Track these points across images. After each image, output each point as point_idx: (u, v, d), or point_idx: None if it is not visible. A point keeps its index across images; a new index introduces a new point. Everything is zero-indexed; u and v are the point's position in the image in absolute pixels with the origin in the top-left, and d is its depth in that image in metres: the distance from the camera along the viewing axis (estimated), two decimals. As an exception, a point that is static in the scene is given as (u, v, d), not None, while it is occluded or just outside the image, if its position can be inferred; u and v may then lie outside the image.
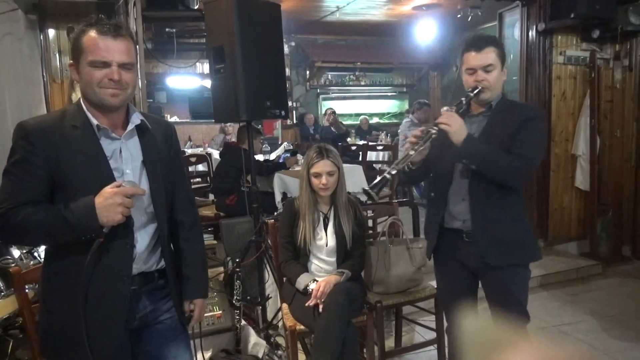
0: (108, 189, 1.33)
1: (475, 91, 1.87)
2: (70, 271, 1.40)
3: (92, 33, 1.37)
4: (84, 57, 1.37)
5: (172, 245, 1.64)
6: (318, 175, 2.34)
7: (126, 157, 1.45)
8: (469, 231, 1.92)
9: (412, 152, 1.79)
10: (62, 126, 1.39)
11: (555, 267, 4.01)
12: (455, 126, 1.79)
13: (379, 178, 1.76)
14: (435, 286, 2.70)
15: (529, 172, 1.94)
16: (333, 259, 2.43)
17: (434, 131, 1.79)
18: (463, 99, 1.90)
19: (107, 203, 1.31)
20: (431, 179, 2.07)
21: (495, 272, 1.91)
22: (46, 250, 1.53)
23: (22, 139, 1.35)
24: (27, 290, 1.95)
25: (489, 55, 1.88)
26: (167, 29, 4.26)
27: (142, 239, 1.49)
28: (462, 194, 1.92)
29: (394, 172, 1.77)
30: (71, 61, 1.43)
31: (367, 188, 1.78)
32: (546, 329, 3.15)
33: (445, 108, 1.93)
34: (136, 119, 1.48)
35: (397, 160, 1.81)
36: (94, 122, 1.41)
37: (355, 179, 3.98)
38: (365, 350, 2.48)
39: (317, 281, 2.35)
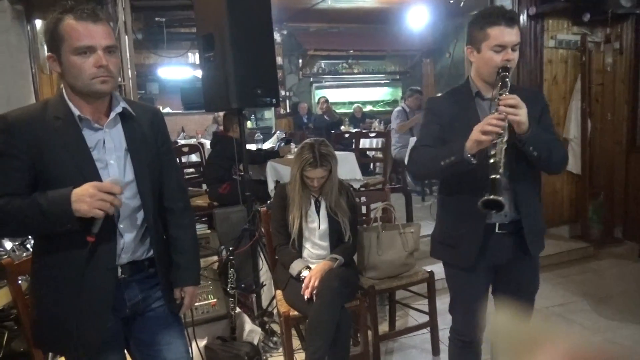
0: (88, 184, 1.31)
1: (508, 72, 1.68)
2: (57, 264, 1.41)
3: (70, 20, 1.33)
4: (65, 46, 1.33)
5: (163, 233, 1.64)
6: (310, 178, 2.35)
7: (109, 148, 1.43)
8: (504, 223, 1.79)
9: (502, 145, 1.55)
10: (44, 117, 1.37)
11: (548, 249, 3.92)
12: (524, 111, 1.60)
13: (491, 184, 1.53)
14: (429, 269, 2.75)
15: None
16: (326, 243, 2.45)
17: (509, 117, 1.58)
18: (507, 80, 1.67)
19: (83, 194, 1.29)
20: (458, 173, 1.76)
21: (527, 261, 1.83)
22: (34, 244, 1.52)
23: (3, 132, 1.34)
24: (20, 282, 1.95)
25: (517, 32, 1.70)
26: (156, 18, 4.22)
27: (130, 228, 1.48)
28: (502, 186, 1.72)
29: (501, 170, 1.53)
30: (49, 53, 1.37)
31: (488, 197, 1.52)
32: (539, 311, 3.17)
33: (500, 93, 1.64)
34: (119, 106, 1.46)
35: (495, 158, 1.54)
36: (76, 112, 1.38)
37: (348, 167, 3.99)
38: (359, 335, 2.51)
39: (310, 268, 2.37)
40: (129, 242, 1.47)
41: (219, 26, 2.86)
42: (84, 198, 1.29)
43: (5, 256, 2.22)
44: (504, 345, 0.49)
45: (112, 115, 1.44)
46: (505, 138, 1.57)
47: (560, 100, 4.49)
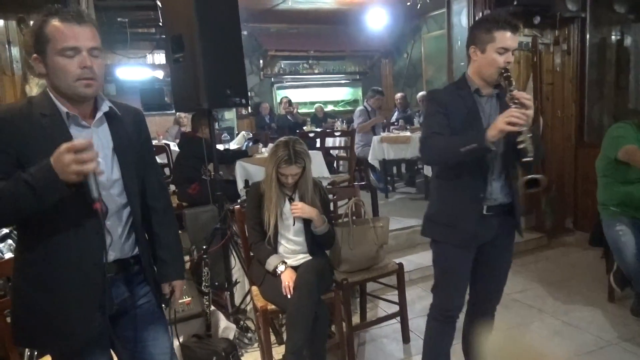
0: (57, 151, 1.25)
1: (508, 72, 1.86)
2: (44, 260, 1.41)
3: (56, 22, 1.35)
4: (50, 47, 1.35)
5: (145, 231, 1.66)
6: (284, 175, 2.42)
7: (97, 145, 1.43)
8: (492, 205, 1.98)
9: (529, 134, 1.74)
10: (30, 114, 1.38)
11: None
12: (532, 109, 1.78)
13: (526, 167, 1.87)
14: (397, 262, 2.87)
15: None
16: (301, 239, 2.52)
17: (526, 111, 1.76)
18: (511, 79, 1.86)
19: (58, 162, 1.25)
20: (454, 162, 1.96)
21: (509, 239, 2.10)
22: (18, 240, 1.51)
23: None
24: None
25: (517, 38, 1.90)
26: (119, 19, 4.16)
27: (116, 225, 1.50)
28: (495, 173, 1.97)
29: (531, 154, 1.74)
30: (35, 55, 1.39)
31: (530, 177, 1.84)
32: (499, 298, 3.37)
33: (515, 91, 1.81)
34: (105, 106, 1.48)
35: (524, 144, 1.74)
36: (63, 109, 1.40)
37: (315, 165, 4.06)
38: (334, 326, 2.59)
39: (285, 263, 2.43)
40: (116, 239, 1.49)
41: (189, 27, 2.87)
42: (63, 168, 1.24)
43: (-23, 260, 2.17)
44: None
45: (99, 115, 1.46)
46: (526, 128, 1.74)
47: (514, 99, 4.72)
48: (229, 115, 9.34)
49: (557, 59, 4.78)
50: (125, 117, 1.56)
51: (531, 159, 1.75)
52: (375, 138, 5.80)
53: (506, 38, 1.85)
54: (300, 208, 2.44)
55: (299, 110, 9.16)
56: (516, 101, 1.77)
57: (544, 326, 2.99)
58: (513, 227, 2.10)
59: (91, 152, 1.26)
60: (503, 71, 1.86)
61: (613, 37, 4.80)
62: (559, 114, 4.82)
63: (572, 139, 4.80)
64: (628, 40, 4.73)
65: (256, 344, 2.90)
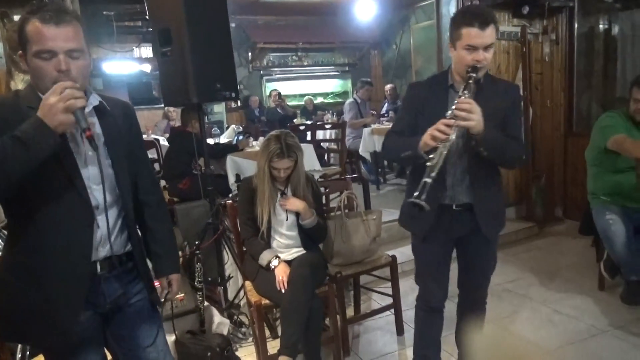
0: (44, 99, 1.26)
1: (476, 72, 1.76)
2: (31, 250, 1.39)
3: (35, 22, 1.31)
4: (29, 48, 1.33)
5: (138, 226, 1.65)
6: (277, 169, 2.40)
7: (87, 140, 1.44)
8: (460, 203, 1.95)
9: (444, 150, 1.66)
10: (18, 106, 1.35)
11: None
12: (477, 116, 1.69)
13: (420, 186, 1.63)
14: (390, 254, 2.87)
15: (525, 155, 1.98)
16: (294, 233, 2.51)
17: (458, 122, 1.68)
18: (470, 81, 1.75)
19: (45, 107, 1.25)
20: (419, 163, 1.87)
21: (485, 240, 2.00)
22: (8, 232, 1.49)
23: None
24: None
25: (490, 33, 1.76)
26: (104, 12, 4.09)
27: (107, 220, 1.47)
28: (457, 174, 1.92)
29: (434, 174, 1.63)
30: (20, 52, 1.37)
31: (414, 200, 1.63)
32: (491, 287, 3.35)
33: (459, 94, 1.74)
34: (94, 100, 1.45)
35: (433, 162, 1.65)
36: None
37: (307, 158, 4.04)
38: (328, 320, 2.59)
39: (279, 257, 2.43)
40: (105, 234, 1.46)
41: (176, 20, 2.83)
42: (51, 110, 1.24)
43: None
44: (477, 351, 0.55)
45: (88, 108, 1.43)
46: (450, 143, 1.69)
47: (503, 89, 4.73)
48: (218, 108, 9.27)
49: (545, 48, 4.80)
50: (115, 111, 1.54)
51: (428, 180, 1.62)
52: (366, 130, 5.79)
53: (471, 35, 1.74)
54: (287, 200, 2.44)
55: (289, 103, 9.12)
56: (453, 109, 1.69)
57: (536, 315, 3.02)
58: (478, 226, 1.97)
59: (72, 89, 1.28)
60: (469, 69, 1.76)
61: (601, 26, 4.82)
62: (548, 103, 4.84)
63: (561, 128, 4.84)
64: (615, 29, 4.75)
65: (250, 339, 2.89)
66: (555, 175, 4.86)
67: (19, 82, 2.85)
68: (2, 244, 2.47)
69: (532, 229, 4.54)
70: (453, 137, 1.69)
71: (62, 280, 1.40)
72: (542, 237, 4.48)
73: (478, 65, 1.76)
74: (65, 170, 1.37)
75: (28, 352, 2.08)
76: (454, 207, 1.97)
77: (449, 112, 1.71)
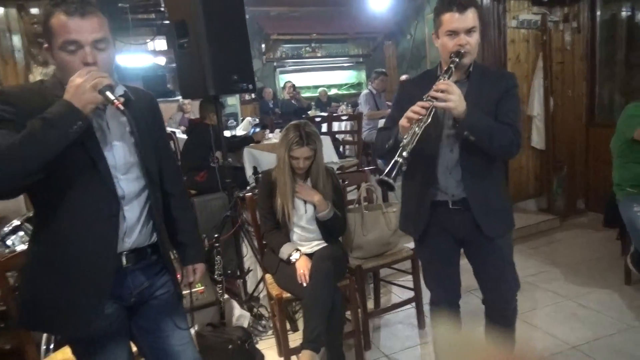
0: (69, 81, 1.28)
1: (459, 57, 1.72)
2: (58, 241, 1.38)
3: (59, 14, 1.31)
4: (55, 41, 1.32)
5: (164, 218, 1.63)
6: (296, 158, 2.37)
7: (113, 129, 1.43)
8: (456, 200, 1.86)
9: (417, 130, 1.60)
10: (44, 94, 1.35)
11: (517, 223, 4.09)
12: (456, 96, 1.64)
13: (391, 164, 1.56)
14: (411, 247, 2.83)
15: (521, 143, 1.84)
16: (314, 227, 2.48)
17: (435, 103, 1.63)
18: (451, 65, 1.71)
19: (74, 88, 1.26)
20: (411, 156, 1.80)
21: (490, 240, 1.87)
22: (35, 224, 1.48)
23: (4, 103, 1.30)
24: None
25: (471, 17, 1.73)
26: (120, 4, 4.08)
27: (133, 211, 1.46)
28: (450, 167, 1.84)
29: (405, 154, 1.56)
30: (46, 45, 1.37)
31: (382, 177, 1.56)
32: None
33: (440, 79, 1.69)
34: (119, 90, 1.44)
35: (405, 141, 1.59)
36: None
37: (323, 150, 4.01)
38: (348, 313, 2.57)
39: (299, 250, 2.40)
40: (131, 225, 1.46)
41: (192, 12, 2.81)
42: (78, 90, 1.25)
43: (-12, 254, 2.15)
44: (444, 353, 0.52)
45: (119, 91, 1.41)
46: (426, 123, 1.62)
47: (523, 79, 4.63)
48: (232, 101, 9.26)
49: (567, 36, 4.69)
50: (140, 102, 1.52)
51: (399, 159, 1.55)
52: (382, 122, 5.72)
53: (451, 20, 1.73)
54: (302, 189, 2.41)
55: (302, 95, 9.08)
56: (433, 91, 1.65)
57: (560, 309, 2.97)
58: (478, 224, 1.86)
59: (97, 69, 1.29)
60: (452, 55, 1.73)
61: (624, 13, 4.69)
62: (570, 93, 4.73)
63: (582, 118, 4.74)
64: (639, 16, 4.62)
65: (270, 331, 2.89)
66: (577, 166, 4.76)
67: (37, 75, 2.86)
68: (25, 236, 2.49)
69: (553, 221, 4.46)
70: (429, 120, 1.62)
71: (88, 272, 1.40)
72: (563, 229, 4.39)
73: (462, 50, 1.73)
74: (92, 160, 1.37)
75: (52, 345, 2.09)
76: (450, 206, 1.88)
77: (425, 95, 1.67)
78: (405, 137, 1.61)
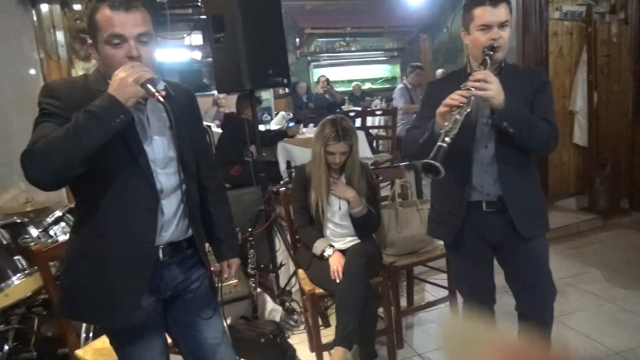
0: (114, 75, 1.31)
1: (493, 51, 1.68)
2: (99, 233, 1.41)
3: (104, 9, 1.34)
4: (100, 36, 1.35)
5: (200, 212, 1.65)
6: (332, 154, 2.35)
7: (153, 124, 1.45)
8: (491, 201, 1.81)
9: (458, 117, 1.56)
10: (88, 89, 1.39)
11: (557, 222, 4.07)
12: (495, 85, 1.60)
13: (435, 149, 1.52)
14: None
15: (558, 137, 1.79)
16: (347, 223, 2.47)
17: (474, 92, 1.59)
18: (487, 58, 1.67)
19: (117, 82, 1.28)
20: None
21: (525, 242, 1.82)
22: (77, 216, 1.52)
23: (50, 97, 1.34)
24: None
25: (504, 11, 1.70)
26: (158, 0, 4.14)
27: (170, 205, 1.48)
28: (485, 165, 1.78)
29: (448, 139, 1.52)
30: (90, 41, 1.40)
31: (429, 161, 1.51)
32: (552, 282, 3.24)
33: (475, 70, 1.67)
34: (161, 85, 1.44)
35: (446, 128, 1.55)
36: None
37: (358, 145, 3.99)
38: (381, 310, 2.54)
39: (333, 246, 2.39)
40: (169, 219, 1.48)
41: (229, 6, 2.83)
42: (121, 84, 1.27)
43: (33, 243, 2.23)
44: (451, 344, 0.49)
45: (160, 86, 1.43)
46: (466, 111, 1.58)
47: (565, 73, 4.48)
48: (266, 95, 9.31)
49: (613, 28, 4.48)
50: (179, 97, 1.54)
51: (443, 144, 1.51)
52: (416, 117, 5.64)
53: (484, 13, 1.69)
54: (337, 186, 2.39)
55: (336, 89, 9.04)
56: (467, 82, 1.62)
57: (601, 312, 2.86)
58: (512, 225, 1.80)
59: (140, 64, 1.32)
60: (485, 49, 1.69)
61: (675, 3, 4.46)
62: (615, 87, 4.54)
63: (629, 114, 4.53)
64: (692, 7, 4.39)
65: (302, 326, 2.89)
66: (622, 163, 4.56)
67: (79, 70, 2.93)
68: (67, 227, 2.56)
69: (594, 220, 4.29)
70: (469, 108, 1.59)
71: (126, 264, 1.42)
72: (606, 229, 4.22)
73: (495, 44, 1.69)
74: (132, 154, 1.39)
75: (92, 333, 2.15)
76: (484, 208, 1.83)
77: (462, 85, 1.63)
78: (445, 123, 1.58)
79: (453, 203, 1.86)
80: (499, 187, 1.79)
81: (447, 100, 1.61)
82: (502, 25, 1.71)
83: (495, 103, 1.63)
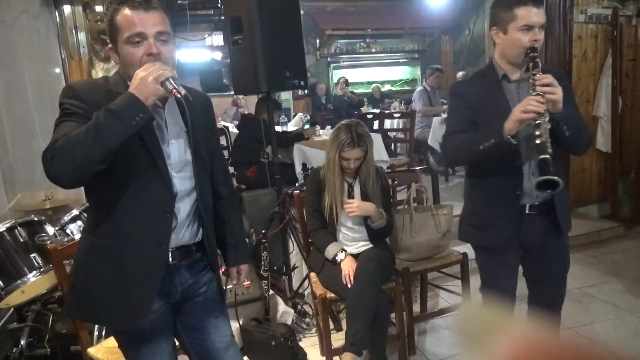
0: (135, 75, 1.32)
1: (535, 52, 1.68)
2: (111, 234, 1.41)
3: (124, 10, 1.36)
4: (120, 36, 1.37)
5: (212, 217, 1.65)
6: (347, 159, 2.34)
7: (170, 127, 1.46)
8: (534, 204, 1.80)
9: (547, 125, 1.58)
10: (108, 91, 1.40)
11: (577, 229, 3.96)
12: (560, 90, 1.60)
13: (542, 164, 1.57)
14: (461, 252, 2.74)
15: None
16: (361, 227, 2.45)
17: (548, 97, 1.60)
18: (537, 60, 1.67)
19: (138, 80, 1.29)
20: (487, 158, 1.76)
21: (558, 238, 1.87)
22: (88, 216, 1.54)
23: (72, 98, 1.36)
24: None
25: (543, 12, 1.71)
26: (179, 1, 4.18)
27: (183, 209, 1.49)
28: (532, 168, 1.77)
29: (550, 150, 1.55)
30: (110, 45, 1.42)
31: (549, 177, 1.54)
32: (570, 291, 3.13)
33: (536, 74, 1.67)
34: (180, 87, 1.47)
35: (541, 139, 1.56)
36: None
37: (374, 148, 3.96)
38: (393, 315, 2.52)
39: (345, 250, 2.38)
40: (181, 222, 1.48)
41: (247, 8, 2.83)
42: (142, 82, 1.28)
43: (49, 241, 2.27)
44: (468, 332, 0.47)
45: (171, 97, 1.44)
46: (547, 118, 1.59)
47: (589, 77, 4.39)
48: (285, 96, 9.31)
49: (640, 32, 4.38)
50: (195, 102, 1.54)
51: (547, 156, 1.54)
52: (436, 120, 5.58)
53: (528, 14, 1.67)
54: (356, 206, 2.33)
55: (354, 91, 9.01)
56: (534, 87, 1.61)
57: (621, 324, 2.78)
58: (553, 228, 1.85)
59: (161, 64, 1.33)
60: (529, 51, 1.68)
61: None
62: (641, 92, 4.43)
63: (655, 119, 4.42)
64: None
65: (314, 329, 2.88)
66: (646, 171, 4.45)
67: (99, 71, 2.98)
68: (83, 226, 2.60)
69: (617, 229, 4.19)
70: (548, 116, 1.59)
71: (138, 267, 1.42)
72: (628, 238, 4.11)
73: (536, 45, 1.69)
74: (151, 156, 1.40)
75: (104, 332, 2.17)
76: (526, 211, 1.81)
77: (530, 92, 1.63)
78: (537, 133, 1.58)
79: (504, 208, 1.83)
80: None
81: (528, 107, 1.58)
82: (542, 26, 1.71)
83: (559, 107, 1.62)
